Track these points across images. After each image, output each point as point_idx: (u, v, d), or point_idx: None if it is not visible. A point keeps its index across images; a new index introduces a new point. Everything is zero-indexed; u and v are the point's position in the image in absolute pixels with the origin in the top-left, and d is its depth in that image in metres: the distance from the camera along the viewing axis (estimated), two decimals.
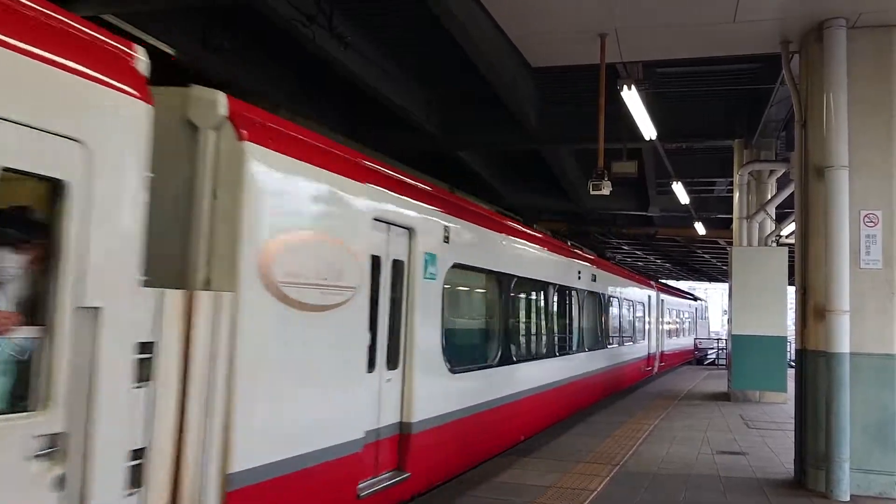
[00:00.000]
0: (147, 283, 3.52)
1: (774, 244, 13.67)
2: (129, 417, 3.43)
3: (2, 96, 2.81)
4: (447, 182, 15.87)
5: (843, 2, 6.86)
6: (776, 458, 8.64)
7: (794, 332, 7.89)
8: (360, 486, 5.58)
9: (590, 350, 14.07)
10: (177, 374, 3.82)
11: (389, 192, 6.14)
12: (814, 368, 7.06)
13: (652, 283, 24.32)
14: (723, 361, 28.15)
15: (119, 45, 3.42)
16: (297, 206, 4.89)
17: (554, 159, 16.40)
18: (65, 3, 3.31)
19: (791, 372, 10.69)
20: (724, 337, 32.53)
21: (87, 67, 3.15)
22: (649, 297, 22.12)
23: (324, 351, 5.08)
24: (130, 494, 3.47)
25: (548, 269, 11.35)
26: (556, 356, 11.63)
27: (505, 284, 9.17)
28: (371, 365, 5.84)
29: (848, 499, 6.63)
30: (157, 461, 3.66)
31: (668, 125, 12.29)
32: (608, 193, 9.37)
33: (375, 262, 5.92)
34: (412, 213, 6.57)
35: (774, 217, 14.35)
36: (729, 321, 14.07)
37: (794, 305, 7.80)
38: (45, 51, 2.98)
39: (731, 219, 15.48)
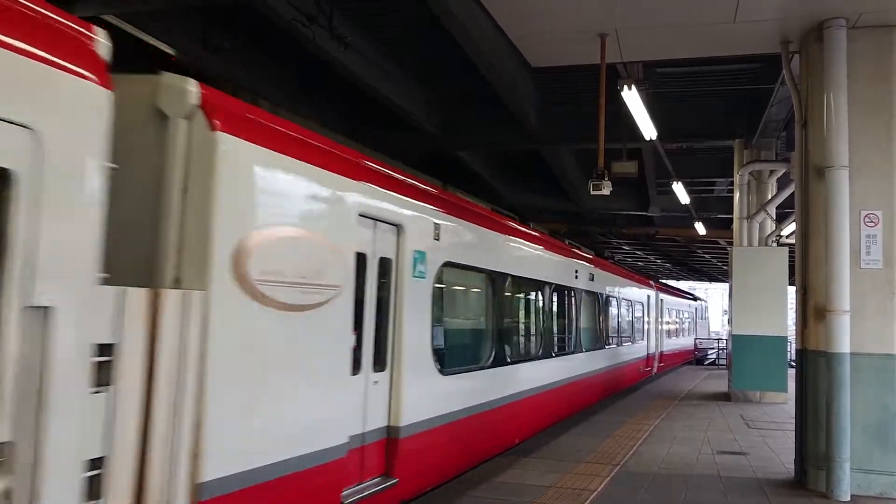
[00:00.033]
0: (108, 281, 3.30)
1: (775, 244, 13.67)
2: (85, 424, 3.20)
3: None
4: (448, 182, 15.92)
5: (843, 2, 6.86)
6: (777, 458, 8.63)
7: (794, 333, 7.89)
8: (343, 493, 5.38)
9: (587, 351, 13.87)
10: (141, 378, 3.61)
11: (376, 188, 5.92)
12: (814, 368, 7.06)
13: (651, 282, 24.17)
14: (723, 361, 28.14)
15: (76, 26, 3.17)
16: (275, 200, 4.66)
17: (554, 159, 16.40)
18: (65, 4, 3.30)
19: (791, 372, 10.70)
20: (724, 337, 32.58)
21: (37, 48, 2.92)
22: (648, 296, 21.99)
23: (304, 353, 4.86)
24: None
25: (544, 267, 11.12)
26: (551, 357, 11.40)
27: (499, 284, 8.97)
28: (356, 367, 5.64)
29: (848, 499, 6.63)
30: (118, 470, 3.45)
31: (669, 125, 12.29)
32: (608, 193, 9.35)
33: (361, 259, 5.71)
34: (400, 210, 6.34)
35: (775, 217, 14.35)
36: (729, 321, 14.06)
37: (794, 305, 7.80)
38: None
39: (732, 219, 15.48)
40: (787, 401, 13.30)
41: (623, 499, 6.48)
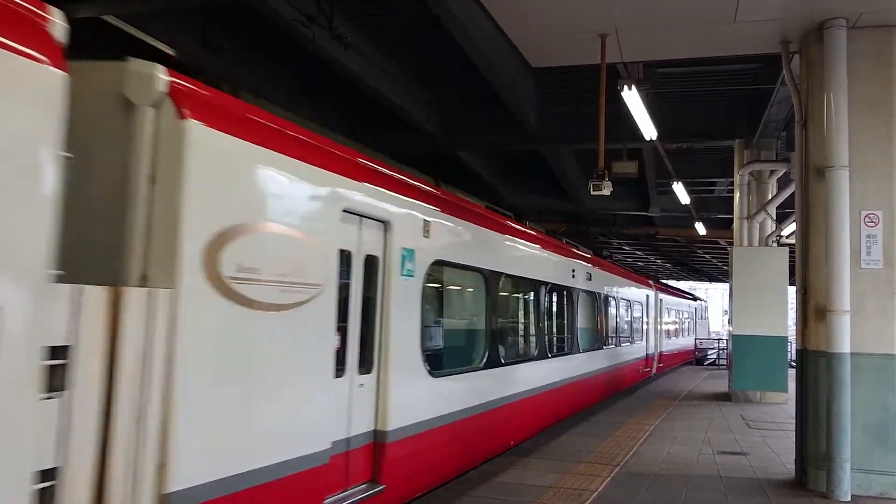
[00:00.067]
0: (65, 279, 3.09)
1: (775, 244, 13.67)
2: (35, 432, 2.96)
3: None
4: (448, 183, 15.91)
5: (844, 2, 6.85)
6: (777, 458, 8.63)
7: (794, 333, 7.89)
8: (326, 501, 5.17)
9: (584, 351, 13.64)
10: (100, 383, 3.37)
11: (361, 182, 5.67)
12: (814, 368, 7.06)
13: (650, 282, 24.04)
14: (723, 361, 28.14)
15: (25, 4, 2.94)
16: (251, 194, 4.41)
17: (554, 159, 16.40)
18: (65, 5, 3.28)
19: (792, 372, 10.71)
20: (724, 337, 32.57)
21: None
22: (647, 296, 21.86)
23: (283, 354, 4.63)
24: None
25: (539, 266, 10.88)
26: (547, 358, 11.17)
27: (492, 283, 8.71)
28: (340, 369, 5.43)
29: (849, 499, 6.63)
30: (73, 482, 3.23)
31: (669, 125, 12.30)
32: (608, 194, 9.33)
33: (345, 257, 5.50)
34: (387, 206, 6.10)
35: (775, 217, 14.35)
36: (730, 321, 14.06)
37: (794, 305, 7.80)
38: None
39: (732, 219, 15.48)
40: (787, 401, 13.30)
41: (623, 499, 6.48)
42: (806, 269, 7.31)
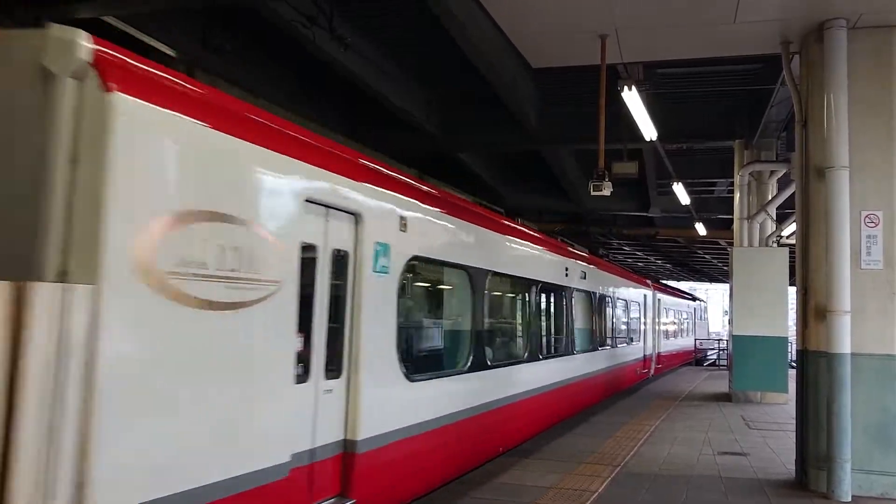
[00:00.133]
0: None
1: (775, 245, 13.68)
2: None
3: None
4: (448, 183, 15.92)
5: (844, 2, 6.85)
6: (777, 458, 8.63)
7: (795, 333, 7.89)
8: None
9: (578, 353, 12.97)
10: None
11: (327, 171, 5.18)
12: (815, 369, 7.05)
13: (648, 281, 23.78)
14: (723, 362, 28.13)
15: None
16: (193, 178, 3.93)
17: (554, 160, 16.42)
18: (65, 5, 3.28)
19: (792, 372, 10.71)
20: (724, 338, 32.55)
21: None
22: (645, 296, 21.55)
23: (231, 359, 4.17)
24: None
25: (530, 264, 10.35)
26: (538, 360, 10.60)
27: (478, 281, 8.10)
28: (304, 374, 4.96)
29: (849, 499, 6.62)
30: None
31: (669, 126, 12.31)
32: (609, 194, 9.33)
33: (309, 251, 5.02)
34: (358, 196, 5.57)
35: (775, 217, 14.36)
36: (730, 322, 14.06)
37: (794, 306, 7.80)
38: None
39: (732, 219, 15.48)
40: (787, 401, 13.29)
41: (624, 499, 6.47)
42: (806, 269, 7.31)
